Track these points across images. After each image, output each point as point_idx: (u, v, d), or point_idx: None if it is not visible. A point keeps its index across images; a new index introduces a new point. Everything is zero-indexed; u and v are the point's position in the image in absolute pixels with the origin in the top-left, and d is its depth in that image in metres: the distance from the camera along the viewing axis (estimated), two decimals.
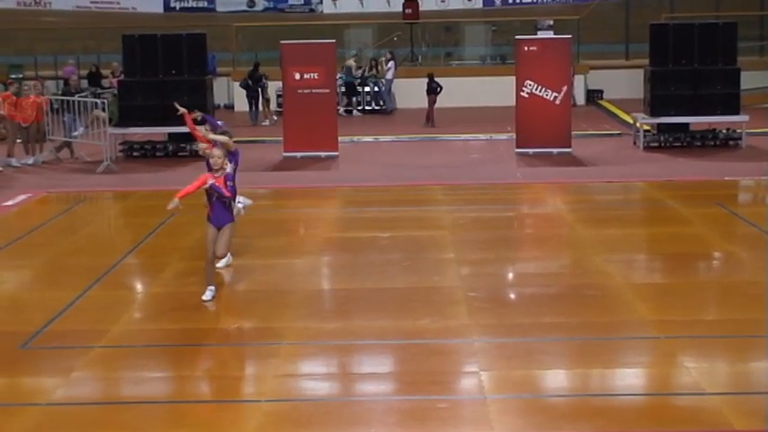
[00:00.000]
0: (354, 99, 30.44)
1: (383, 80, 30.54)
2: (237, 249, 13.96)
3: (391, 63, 30.57)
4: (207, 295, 11.41)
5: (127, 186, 19.03)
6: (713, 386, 8.69)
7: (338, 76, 27.58)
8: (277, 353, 9.79)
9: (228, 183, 11.43)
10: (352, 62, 31.01)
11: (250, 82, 28.75)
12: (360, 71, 30.65)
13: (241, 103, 31.25)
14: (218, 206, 11.44)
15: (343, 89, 29.88)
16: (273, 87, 28.57)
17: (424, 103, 28.32)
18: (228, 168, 11.57)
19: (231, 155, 12.18)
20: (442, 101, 30.59)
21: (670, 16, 31.93)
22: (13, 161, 21.57)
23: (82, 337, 10.31)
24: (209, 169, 11.59)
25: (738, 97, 22.53)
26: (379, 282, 12.20)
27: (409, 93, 30.85)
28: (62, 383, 9.13)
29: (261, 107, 28.85)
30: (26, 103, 21.71)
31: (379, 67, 30.67)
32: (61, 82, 31.30)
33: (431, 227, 14.94)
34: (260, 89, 28.71)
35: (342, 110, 29.28)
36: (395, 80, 30.49)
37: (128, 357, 9.88)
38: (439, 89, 27.43)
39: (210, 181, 11.36)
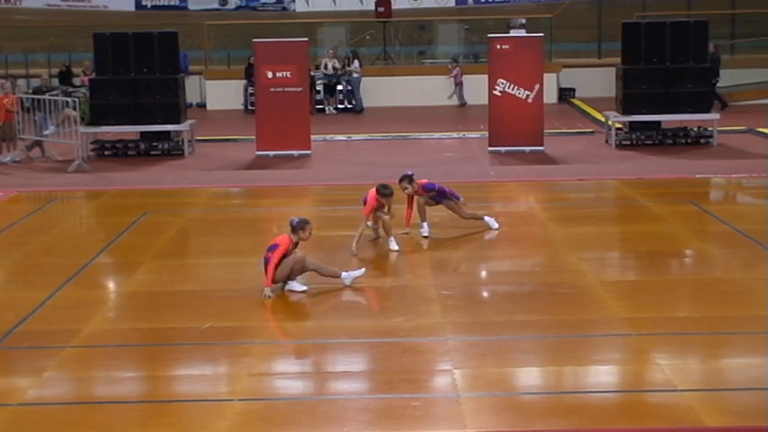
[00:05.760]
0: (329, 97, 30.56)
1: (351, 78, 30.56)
2: (209, 248, 13.97)
3: (356, 62, 30.63)
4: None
5: (99, 185, 18.92)
6: (685, 383, 8.73)
7: (312, 73, 27.62)
8: (250, 352, 9.77)
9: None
10: (327, 60, 31.01)
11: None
12: (330, 68, 30.63)
13: (213, 101, 31.46)
14: None
15: (319, 87, 30.07)
16: None
17: (396, 102, 28.32)
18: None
19: None
20: (415, 99, 30.70)
21: (642, 15, 32.10)
22: None
23: (54, 336, 10.24)
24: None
25: (709, 95, 22.64)
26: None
27: (381, 92, 30.87)
28: (34, 384, 9.07)
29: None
30: None
31: (347, 67, 30.72)
32: (31, 80, 31.14)
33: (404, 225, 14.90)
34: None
35: (328, 108, 29.76)
36: (362, 78, 30.54)
37: (100, 357, 9.82)
38: None
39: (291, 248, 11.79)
